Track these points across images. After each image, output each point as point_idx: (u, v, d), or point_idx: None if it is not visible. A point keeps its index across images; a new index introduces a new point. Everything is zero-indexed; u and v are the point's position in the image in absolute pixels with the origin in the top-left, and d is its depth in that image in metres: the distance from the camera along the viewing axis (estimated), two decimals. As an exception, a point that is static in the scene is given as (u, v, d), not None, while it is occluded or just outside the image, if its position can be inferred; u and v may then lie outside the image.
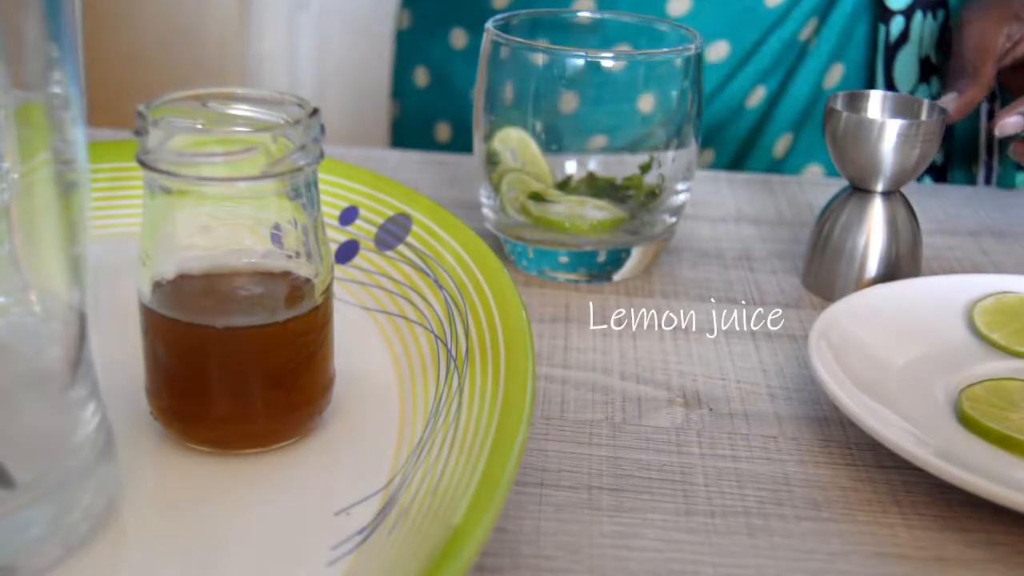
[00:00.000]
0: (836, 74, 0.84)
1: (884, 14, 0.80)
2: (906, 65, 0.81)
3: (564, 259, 0.58)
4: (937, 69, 0.83)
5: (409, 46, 0.92)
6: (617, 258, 0.58)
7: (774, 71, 0.83)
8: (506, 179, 0.58)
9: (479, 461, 0.35)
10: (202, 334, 0.38)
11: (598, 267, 0.58)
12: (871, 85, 0.83)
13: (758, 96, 0.84)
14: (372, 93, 1.87)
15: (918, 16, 0.80)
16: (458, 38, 0.87)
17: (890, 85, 0.81)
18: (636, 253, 0.58)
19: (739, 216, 0.69)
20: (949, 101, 0.68)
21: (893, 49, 0.80)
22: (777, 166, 0.85)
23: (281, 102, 0.39)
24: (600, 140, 0.58)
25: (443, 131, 0.90)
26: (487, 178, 0.58)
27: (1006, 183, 0.84)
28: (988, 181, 0.83)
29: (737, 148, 0.86)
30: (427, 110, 0.91)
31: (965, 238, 0.68)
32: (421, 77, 0.91)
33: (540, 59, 0.55)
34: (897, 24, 0.79)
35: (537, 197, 0.58)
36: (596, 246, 0.58)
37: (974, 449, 0.42)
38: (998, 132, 0.66)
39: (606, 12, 0.62)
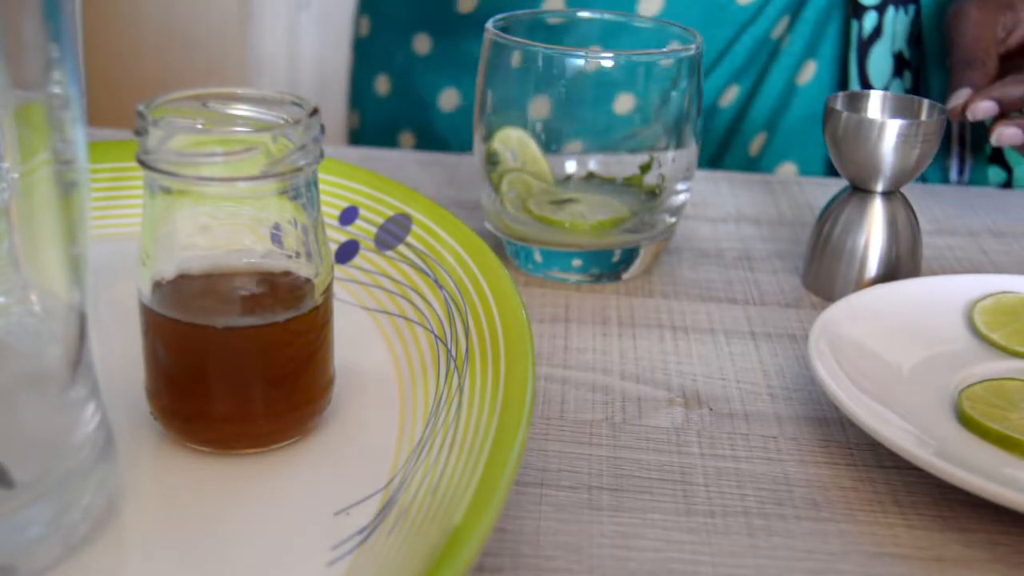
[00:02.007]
0: (809, 71, 0.83)
1: (856, 10, 0.79)
2: (880, 60, 0.80)
3: (576, 261, 0.58)
4: (909, 64, 0.82)
5: (369, 53, 0.90)
6: (617, 260, 0.58)
7: (747, 70, 0.82)
8: (506, 179, 0.58)
9: (479, 461, 0.35)
10: (202, 334, 0.38)
11: (599, 267, 0.58)
12: (844, 81, 0.82)
13: (732, 95, 0.83)
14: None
15: (890, 11, 0.79)
16: (421, 44, 0.85)
17: (864, 81, 0.80)
18: (639, 252, 0.58)
19: (739, 216, 0.69)
20: (964, 96, 0.67)
21: (867, 45, 0.79)
22: (753, 164, 0.85)
23: (281, 102, 0.39)
24: (600, 140, 0.57)
25: (406, 140, 0.89)
26: (487, 178, 0.58)
27: (978, 178, 0.84)
28: (961, 174, 0.83)
29: (713, 148, 0.85)
30: (389, 119, 0.89)
31: (965, 238, 0.68)
32: (382, 85, 0.89)
33: (540, 59, 0.55)
34: (870, 19, 0.79)
35: (539, 197, 0.58)
36: (596, 246, 0.58)
37: (974, 449, 0.42)
38: (970, 115, 0.66)
39: (606, 12, 0.62)
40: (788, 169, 0.84)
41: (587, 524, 0.39)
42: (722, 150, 0.85)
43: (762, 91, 0.83)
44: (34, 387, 0.34)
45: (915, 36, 0.82)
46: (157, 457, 0.40)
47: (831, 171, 0.84)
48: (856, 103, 0.58)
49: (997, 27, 0.71)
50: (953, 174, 0.83)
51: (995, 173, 0.84)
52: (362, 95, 0.92)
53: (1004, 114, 0.65)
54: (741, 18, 0.80)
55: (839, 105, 0.57)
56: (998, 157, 0.84)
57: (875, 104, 0.58)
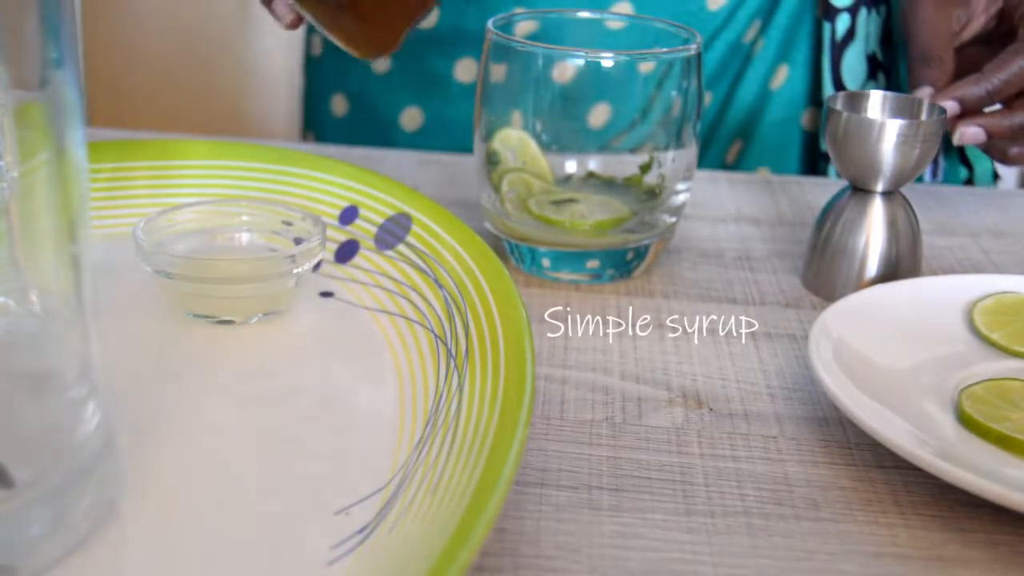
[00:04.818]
0: (781, 75, 0.82)
1: (828, 12, 0.78)
2: (854, 63, 0.79)
3: (571, 259, 0.58)
4: (882, 66, 0.82)
5: (322, 73, 0.87)
6: (631, 258, 0.58)
7: (721, 77, 0.81)
8: (506, 179, 0.58)
9: (479, 461, 0.35)
10: None
11: (599, 268, 0.58)
12: (818, 85, 0.81)
13: (706, 103, 0.82)
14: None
15: (863, 12, 0.78)
16: (379, 61, 0.81)
17: (838, 83, 0.79)
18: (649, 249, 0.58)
19: (739, 216, 0.69)
20: (925, 95, 0.66)
21: (841, 47, 0.79)
22: (729, 171, 0.84)
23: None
24: (600, 139, 0.58)
25: None
26: (487, 178, 0.58)
27: (950, 177, 0.84)
28: (935, 176, 0.83)
29: None
30: (345, 141, 0.85)
31: (965, 238, 0.68)
32: (339, 106, 0.86)
33: (540, 59, 0.55)
34: (843, 21, 0.78)
35: (539, 196, 0.58)
36: (596, 246, 0.58)
37: (974, 449, 0.42)
38: (956, 140, 0.64)
39: (605, 13, 0.62)
40: (764, 173, 0.84)
41: (587, 524, 0.39)
42: (698, 158, 0.84)
43: (736, 97, 0.82)
44: (34, 387, 0.34)
45: (888, 38, 0.81)
46: (157, 457, 0.40)
47: (806, 174, 0.84)
48: (856, 103, 0.58)
49: (952, 22, 0.69)
50: (927, 174, 0.82)
51: (963, 171, 0.84)
52: (316, 116, 0.88)
53: (964, 113, 0.64)
54: (713, 24, 0.79)
55: (839, 105, 0.57)
56: (960, 155, 0.84)
57: (875, 104, 0.58)
